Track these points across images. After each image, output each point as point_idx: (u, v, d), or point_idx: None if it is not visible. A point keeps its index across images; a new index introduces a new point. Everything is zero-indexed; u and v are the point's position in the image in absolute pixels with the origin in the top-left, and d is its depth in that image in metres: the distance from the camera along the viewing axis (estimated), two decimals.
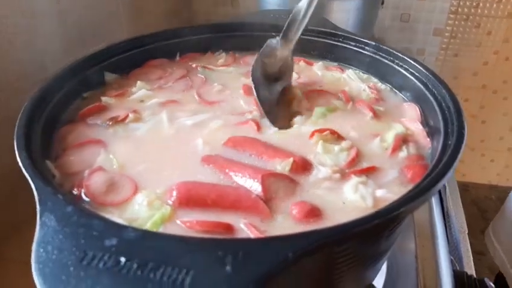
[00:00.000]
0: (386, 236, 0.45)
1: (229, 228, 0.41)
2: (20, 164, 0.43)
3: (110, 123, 0.57)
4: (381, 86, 0.68)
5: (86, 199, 0.45)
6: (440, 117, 0.53)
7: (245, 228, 0.41)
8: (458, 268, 0.72)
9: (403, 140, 0.54)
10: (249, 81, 0.64)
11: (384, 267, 0.66)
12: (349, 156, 0.50)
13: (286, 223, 0.42)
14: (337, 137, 0.54)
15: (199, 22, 1.34)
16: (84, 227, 0.36)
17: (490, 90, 2.02)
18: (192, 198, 0.44)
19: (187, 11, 1.54)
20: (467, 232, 0.92)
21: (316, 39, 0.75)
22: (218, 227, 0.41)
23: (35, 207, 0.38)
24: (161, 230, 0.41)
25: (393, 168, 0.50)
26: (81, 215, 0.37)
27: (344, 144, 0.52)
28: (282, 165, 0.49)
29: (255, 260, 0.32)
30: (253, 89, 0.60)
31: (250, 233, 0.40)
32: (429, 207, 0.79)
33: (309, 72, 0.73)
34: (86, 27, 0.91)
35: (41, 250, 0.34)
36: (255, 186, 0.45)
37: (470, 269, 0.80)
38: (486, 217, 2.21)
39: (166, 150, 0.53)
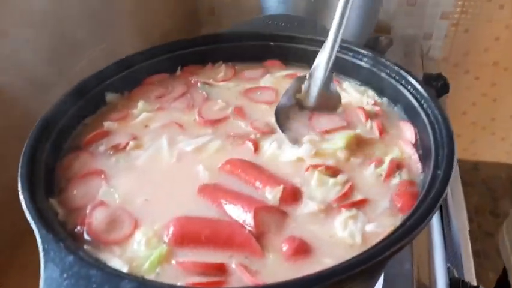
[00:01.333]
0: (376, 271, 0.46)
1: (222, 268, 0.43)
2: (24, 206, 0.45)
3: (111, 152, 0.58)
4: (378, 99, 0.68)
5: (88, 238, 0.47)
6: (431, 140, 0.54)
7: (237, 270, 0.43)
8: (456, 274, 0.73)
9: (397, 165, 0.55)
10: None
11: (381, 278, 0.68)
12: (341, 191, 0.51)
13: (276, 261, 0.44)
14: (332, 172, 0.54)
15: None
16: (84, 278, 0.38)
17: (501, 68, 1.97)
18: (186, 234, 0.47)
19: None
20: (468, 229, 0.93)
21: (313, 48, 0.74)
22: (212, 268, 0.43)
23: None
24: (158, 270, 0.44)
25: (385, 198, 0.51)
26: (81, 264, 0.39)
27: (339, 178, 0.53)
28: (273, 193, 0.50)
29: None
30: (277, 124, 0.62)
31: (243, 275, 0.42)
32: None
33: None
34: (87, 28, 0.91)
35: None
36: (248, 220, 0.47)
37: (469, 270, 0.81)
38: (495, 197, 2.21)
39: (165, 180, 0.55)
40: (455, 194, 1.02)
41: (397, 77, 0.65)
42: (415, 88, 0.61)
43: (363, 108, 0.65)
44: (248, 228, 0.47)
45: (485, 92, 2.10)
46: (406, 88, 0.63)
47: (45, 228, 0.42)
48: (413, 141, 0.59)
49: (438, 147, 0.52)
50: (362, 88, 0.71)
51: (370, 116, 0.64)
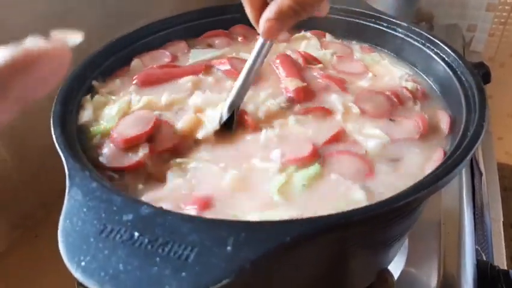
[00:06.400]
0: (388, 225, 0.45)
1: None
2: (55, 141, 0.47)
3: None
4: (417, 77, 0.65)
5: None
6: (464, 106, 0.52)
7: None
8: (484, 258, 0.70)
9: None
10: None
11: (405, 253, 0.67)
12: None
13: None
14: None
15: None
16: (106, 202, 0.39)
17: None
18: None
19: None
20: (502, 221, 0.89)
21: (348, 19, 0.73)
22: None
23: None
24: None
25: None
26: (104, 190, 0.41)
27: None
28: None
29: (254, 242, 0.35)
30: None
31: None
32: (459, 195, 0.77)
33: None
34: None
35: (67, 221, 0.38)
36: None
37: (501, 258, 0.78)
38: None
39: None
40: (492, 184, 0.98)
41: (431, 46, 0.63)
42: (448, 54, 0.60)
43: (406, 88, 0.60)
44: None
45: None
46: (439, 56, 0.61)
47: (72, 159, 0.44)
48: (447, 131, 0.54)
49: (470, 111, 0.50)
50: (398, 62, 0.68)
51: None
